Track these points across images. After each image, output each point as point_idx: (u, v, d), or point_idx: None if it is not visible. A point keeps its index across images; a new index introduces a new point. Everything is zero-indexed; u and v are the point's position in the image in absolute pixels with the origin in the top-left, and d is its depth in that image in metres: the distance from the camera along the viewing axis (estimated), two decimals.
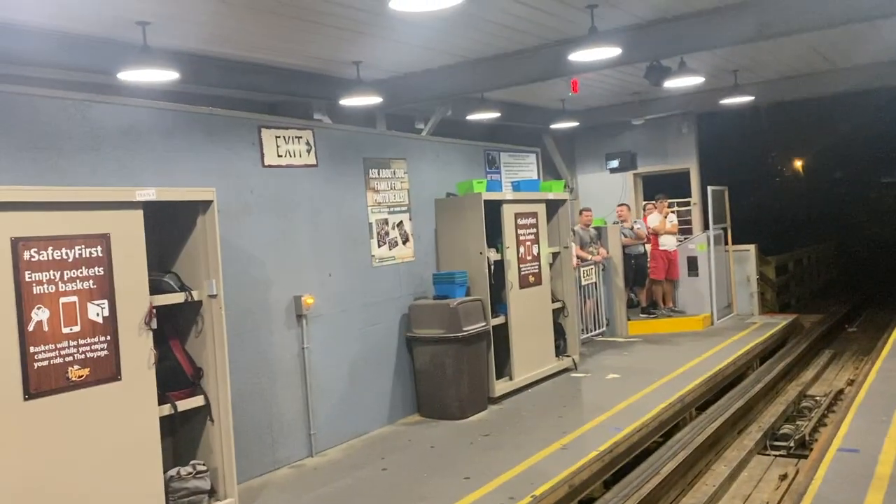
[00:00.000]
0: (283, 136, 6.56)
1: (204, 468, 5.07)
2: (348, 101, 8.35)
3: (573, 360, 9.34)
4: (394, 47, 7.61)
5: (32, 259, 4.15)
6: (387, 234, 7.65)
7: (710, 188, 12.46)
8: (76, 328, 4.31)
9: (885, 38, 9.15)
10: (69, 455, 4.26)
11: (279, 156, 6.49)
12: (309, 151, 6.77)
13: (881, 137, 24.49)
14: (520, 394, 8.27)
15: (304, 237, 6.70)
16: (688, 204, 13.82)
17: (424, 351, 7.62)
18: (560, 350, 9.27)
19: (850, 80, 11.25)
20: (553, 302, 9.17)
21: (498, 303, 8.27)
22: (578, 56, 7.01)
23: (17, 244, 4.09)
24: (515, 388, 8.28)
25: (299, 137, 6.70)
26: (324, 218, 6.92)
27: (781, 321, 12.38)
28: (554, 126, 12.60)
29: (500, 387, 8.07)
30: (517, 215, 8.50)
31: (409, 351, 7.74)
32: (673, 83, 8.85)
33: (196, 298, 5.04)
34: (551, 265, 9.20)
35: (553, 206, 9.35)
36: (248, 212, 6.17)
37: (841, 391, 9.63)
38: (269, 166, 6.42)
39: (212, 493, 5.07)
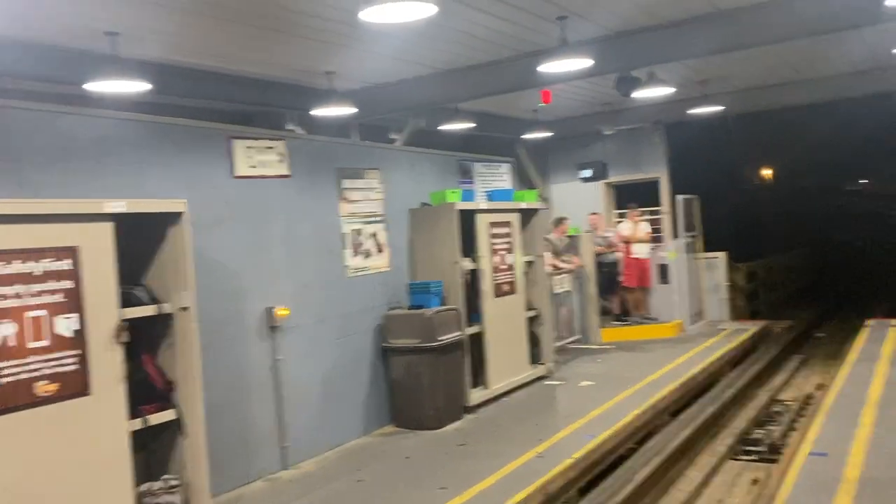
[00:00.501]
0: (256, 147, 6.53)
1: (176, 483, 5.00)
2: (321, 112, 8.34)
3: (548, 367, 9.38)
4: (367, 58, 7.63)
5: None
6: (361, 244, 7.64)
7: (680, 197, 12.62)
8: (44, 343, 4.24)
9: (850, 50, 9.37)
10: (38, 472, 4.18)
11: (251, 167, 6.46)
12: (282, 162, 6.75)
13: (847, 146, 25.02)
14: (495, 402, 8.29)
15: (277, 248, 6.67)
16: (659, 213, 13.98)
17: (400, 361, 7.61)
18: (535, 358, 9.31)
19: (817, 91, 11.49)
20: (527, 310, 9.21)
21: (473, 312, 8.29)
22: (549, 67, 7.08)
23: None
24: (491, 396, 8.29)
25: (272, 148, 6.68)
26: (297, 229, 6.89)
27: (752, 327, 12.56)
28: (527, 136, 12.69)
29: (476, 396, 8.08)
30: (491, 225, 8.55)
31: (385, 361, 7.73)
32: (643, 94, 8.97)
33: (167, 311, 4.99)
34: (525, 274, 9.25)
35: (527, 216, 9.41)
36: (220, 223, 6.12)
37: (810, 396, 9.78)
38: (241, 177, 6.38)
39: None
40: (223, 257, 6.12)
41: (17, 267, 4.15)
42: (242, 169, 6.40)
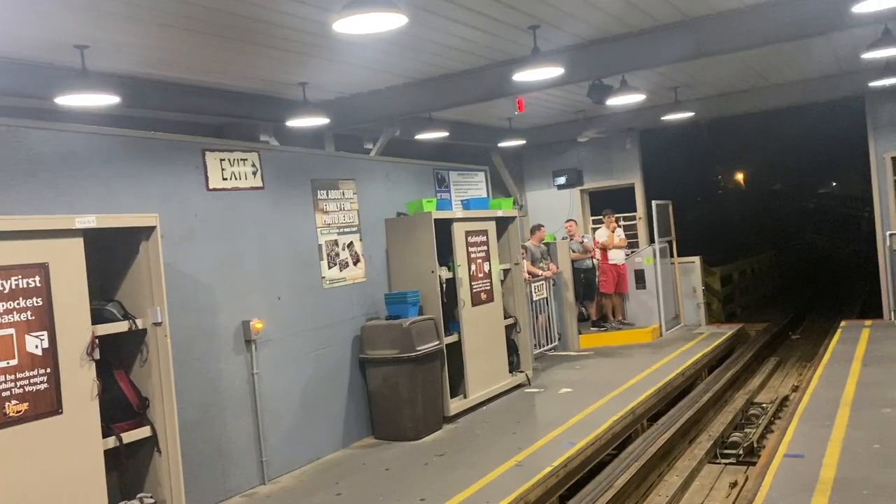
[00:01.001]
0: (229, 159, 6.48)
1: (152, 501, 4.93)
2: (295, 123, 8.29)
3: (526, 375, 9.39)
4: (340, 68, 7.61)
5: None
6: (337, 255, 7.61)
7: (654, 202, 12.73)
8: (13, 362, 4.16)
9: (818, 56, 9.53)
10: (9, 493, 4.09)
11: (224, 179, 6.41)
12: (255, 174, 6.71)
13: (816, 150, 25.47)
14: (475, 412, 8.27)
15: (251, 261, 6.62)
16: (633, 218, 14.08)
17: (378, 372, 7.57)
18: (513, 366, 9.31)
19: (785, 96, 11.67)
20: (505, 318, 9.21)
21: (451, 321, 8.28)
22: (522, 76, 7.11)
23: None
24: (470, 406, 8.28)
25: (245, 160, 6.64)
26: (272, 241, 6.84)
27: (728, 331, 12.68)
28: (502, 144, 12.73)
29: (455, 405, 8.06)
30: (468, 233, 8.55)
31: (363, 373, 7.68)
32: (615, 101, 9.03)
33: (140, 327, 4.92)
34: (503, 282, 9.26)
35: (503, 224, 9.43)
36: (193, 236, 6.07)
37: (786, 397, 9.88)
38: (215, 189, 6.33)
39: None
40: (197, 271, 6.06)
41: None
42: (216, 181, 6.35)
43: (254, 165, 6.70)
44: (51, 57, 6.19)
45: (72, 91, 6.09)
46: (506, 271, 9.38)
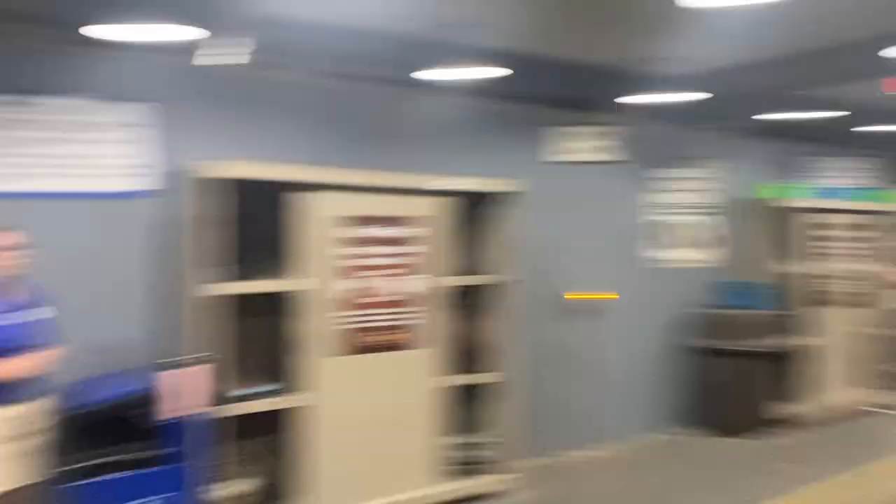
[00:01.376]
0: (582, 133, 6.69)
1: (491, 440, 5.45)
2: (652, 98, 8.16)
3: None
4: (702, 42, 7.27)
5: (359, 235, 4.81)
6: (682, 236, 7.45)
7: None
8: (392, 298, 4.92)
9: None
10: (368, 410, 4.87)
11: (577, 151, 6.63)
12: (607, 149, 6.82)
13: None
14: (820, 422, 7.50)
15: (593, 234, 6.74)
16: None
17: (713, 363, 7.26)
18: (883, 384, 8.19)
19: None
20: (879, 328, 8.14)
21: (806, 320, 7.58)
22: None
23: (349, 221, 4.77)
24: (815, 414, 7.54)
25: (598, 134, 6.79)
26: (616, 216, 6.93)
27: None
28: (888, 128, 11.05)
29: (795, 410, 7.41)
30: (839, 226, 7.80)
31: (696, 360, 7.41)
32: None
33: (497, 282, 5.43)
34: (882, 285, 8.18)
35: (889, 219, 8.31)
36: (540, 205, 6.23)
37: None
38: (567, 163, 6.59)
39: (494, 464, 5.43)
40: (542, 238, 6.30)
41: (376, 231, 4.87)
42: (568, 153, 6.60)
43: (607, 140, 6.82)
44: (419, 31, 6.84)
45: (448, 65, 6.66)
46: (886, 274, 8.26)
